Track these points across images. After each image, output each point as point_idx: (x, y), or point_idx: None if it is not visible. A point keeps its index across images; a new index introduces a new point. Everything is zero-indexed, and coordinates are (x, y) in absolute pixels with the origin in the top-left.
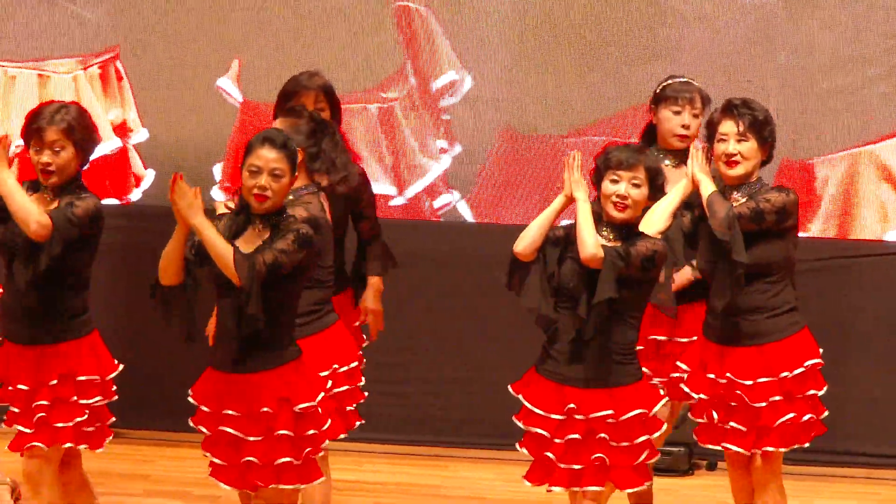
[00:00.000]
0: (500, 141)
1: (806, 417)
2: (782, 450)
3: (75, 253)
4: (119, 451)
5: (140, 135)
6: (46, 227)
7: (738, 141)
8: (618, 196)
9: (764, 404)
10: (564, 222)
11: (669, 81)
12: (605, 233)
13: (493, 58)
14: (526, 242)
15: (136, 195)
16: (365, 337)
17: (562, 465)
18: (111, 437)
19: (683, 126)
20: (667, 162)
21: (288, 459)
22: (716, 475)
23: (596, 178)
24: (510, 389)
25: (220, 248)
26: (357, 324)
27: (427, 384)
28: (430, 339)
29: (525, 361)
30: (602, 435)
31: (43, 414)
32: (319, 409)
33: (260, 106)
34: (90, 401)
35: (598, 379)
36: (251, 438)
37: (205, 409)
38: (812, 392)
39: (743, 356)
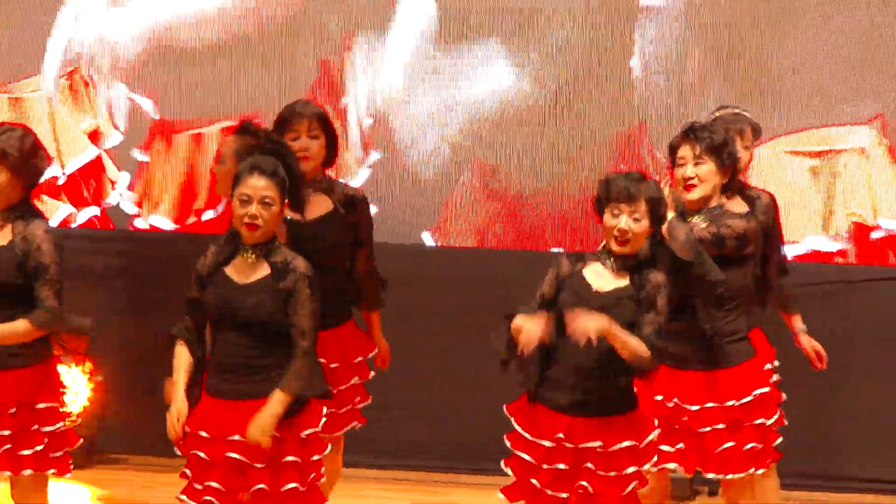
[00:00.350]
0: (467, 172)
1: (749, 446)
2: (735, 476)
3: (35, 281)
4: (118, 477)
5: (113, 138)
6: (48, 320)
7: (696, 164)
8: (619, 231)
9: (707, 430)
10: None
11: (720, 112)
12: (608, 263)
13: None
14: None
15: (113, 198)
16: (371, 369)
17: (548, 492)
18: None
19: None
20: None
21: (294, 485)
22: (717, 500)
23: (597, 208)
24: (504, 410)
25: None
26: (359, 359)
27: (419, 407)
28: (418, 361)
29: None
30: (589, 465)
31: (9, 446)
32: (322, 435)
33: (175, 124)
34: (52, 427)
35: (591, 408)
36: (258, 465)
37: (203, 434)
38: (760, 421)
39: (692, 381)
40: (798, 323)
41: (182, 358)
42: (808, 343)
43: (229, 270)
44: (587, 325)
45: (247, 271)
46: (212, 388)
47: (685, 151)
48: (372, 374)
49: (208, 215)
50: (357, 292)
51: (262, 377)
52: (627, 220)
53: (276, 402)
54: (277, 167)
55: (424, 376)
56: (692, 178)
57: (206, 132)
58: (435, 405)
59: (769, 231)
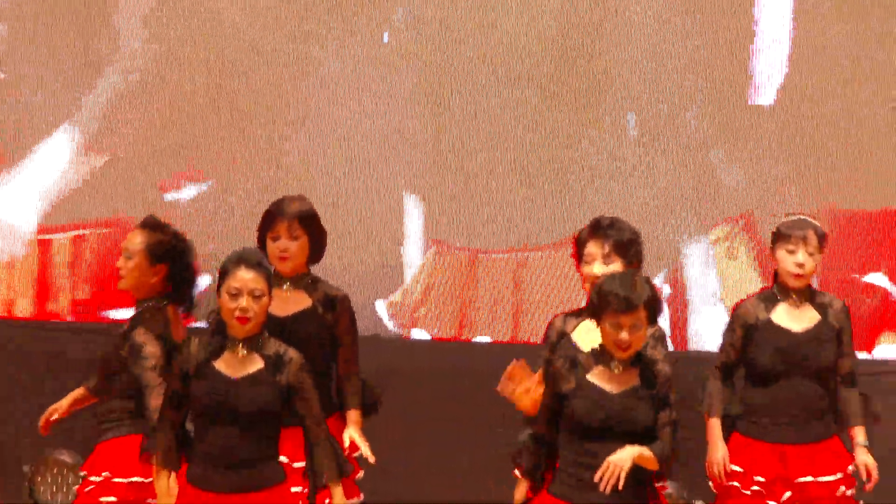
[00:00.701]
0: (433, 252)
1: None
2: None
3: None
4: None
5: None
6: None
7: (605, 262)
8: (620, 341)
9: None
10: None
11: (785, 219)
12: (612, 364)
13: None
14: None
15: None
16: (360, 467)
17: None
18: None
19: (797, 265)
20: (792, 298)
21: None
22: None
23: (593, 314)
24: None
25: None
26: None
27: (409, 497)
28: (407, 452)
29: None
30: None
31: None
32: None
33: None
34: None
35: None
36: None
37: None
38: None
39: None
40: (859, 436)
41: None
42: (862, 459)
43: (219, 365)
44: (618, 464)
45: (237, 365)
46: (198, 480)
47: (593, 248)
48: (361, 473)
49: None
50: (351, 394)
51: (251, 469)
52: (628, 333)
53: (338, 495)
54: (262, 259)
55: (412, 468)
56: (599, 277)
57: (55, 238)
58: (424, 496)
59: (839, 337)
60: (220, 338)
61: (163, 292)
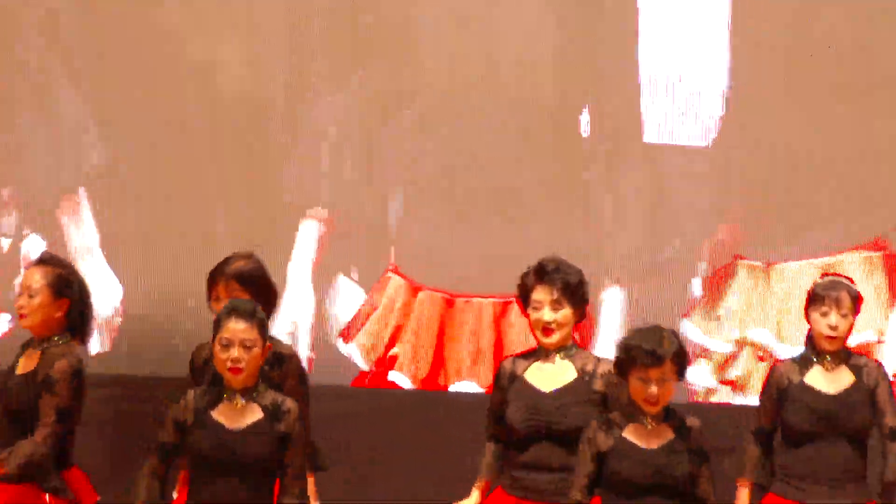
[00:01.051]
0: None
1: None
2: None
3: None
4: None
5: None
6: None
7: (554, 309)
8: (650, 395)
9: None
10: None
11: (819, 281)
12: (644, 421)
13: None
14: None
15: None
16: None
17: None
18: None
19: (830, 327)
20: (826, 360)
21: None
22: None
23: (620, 370)
24: None
25: None
26: None
27: None
28: None
29: None
30: None
31: None
32: None
33: None
34: None
35: None
36: None
37: None
38: None
39: None
40: None
41: None
42: None
43: (217, 415)
44: None
45: (236, 416)
46: None
47: (541, 295)
48: None
49: None
50: None
51: None
52: (657, 387)
53: None
54: (256, 309)
55: None
56: (551, 324)
57: None
58: None
59: (874, 396)
60: (216, 389)
61: (64, 327)
